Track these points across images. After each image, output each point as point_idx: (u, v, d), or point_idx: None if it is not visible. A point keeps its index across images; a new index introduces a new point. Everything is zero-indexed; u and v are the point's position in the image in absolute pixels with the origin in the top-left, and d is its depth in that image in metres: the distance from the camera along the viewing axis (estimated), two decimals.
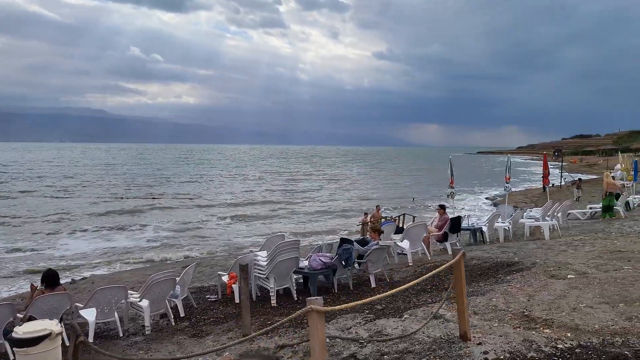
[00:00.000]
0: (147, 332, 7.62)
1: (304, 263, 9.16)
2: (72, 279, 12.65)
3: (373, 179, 65.31)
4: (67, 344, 6.88)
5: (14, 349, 4.19)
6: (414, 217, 22.88)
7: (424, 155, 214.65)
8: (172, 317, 8.10)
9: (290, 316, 3.79)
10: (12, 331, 6.71)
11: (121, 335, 7.55)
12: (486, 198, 39.82)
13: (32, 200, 36.16)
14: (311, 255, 9.23)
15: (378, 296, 4.23)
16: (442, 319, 6.52)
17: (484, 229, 13.41)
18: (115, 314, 7.62)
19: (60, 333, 5.69)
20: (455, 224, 12.00)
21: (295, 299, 8.71)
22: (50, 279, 7.35)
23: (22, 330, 5.53)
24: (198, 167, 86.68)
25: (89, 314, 7.34)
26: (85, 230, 23.28)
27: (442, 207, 12.70)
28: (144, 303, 7.75)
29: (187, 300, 8.82)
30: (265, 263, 8.55)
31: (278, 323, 3.80)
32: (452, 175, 14.73)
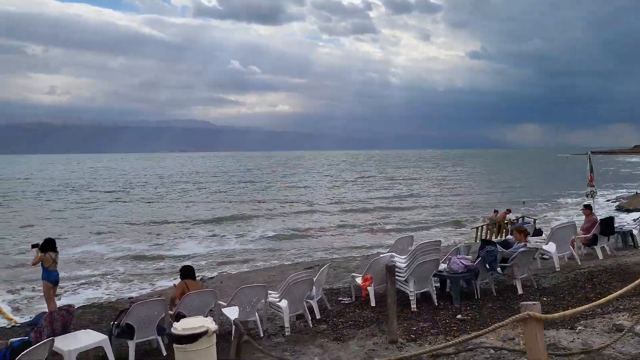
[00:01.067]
0: (287, 334, 7.44)
1: (442, 266, 8.57)
2: (202, 277, 13.03)
3: (483, 181, 62.11)
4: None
5: (174, 345, 4.04)
6: (534, 219, 21.33)
7: (526, 157, 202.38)
8: (310, 318, 7.87)
9: (501, 322, 3.25)
10: (164, 327, 6.79)
11: (262, 335, 7.44)
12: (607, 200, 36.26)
13: (150, 206, 38.70)
14: (450, 258, 8.60)
15: None
16: (630, 333, 5.61)
17: (635, 231, 11.87)
18: (256, 313, 7.53)
19: (216, 331, 5.47)
20: (608, 226, 10.67)
21: (436, 304, 8.13)
22: (189, 272, 7.69)
23: (181, 327, 5.38)
24: (296, 173, 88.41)
25: (232, 313, 7.28)
26: (197, 236, 24.19)
27: (588, 207, 11.37)
28: (283, 303, 7.59)
29: (321, 302, 8.59)
30: (404, 265, 8.06)
31: (495, 326, 3.28)
32: (591, 171, 13.25)
